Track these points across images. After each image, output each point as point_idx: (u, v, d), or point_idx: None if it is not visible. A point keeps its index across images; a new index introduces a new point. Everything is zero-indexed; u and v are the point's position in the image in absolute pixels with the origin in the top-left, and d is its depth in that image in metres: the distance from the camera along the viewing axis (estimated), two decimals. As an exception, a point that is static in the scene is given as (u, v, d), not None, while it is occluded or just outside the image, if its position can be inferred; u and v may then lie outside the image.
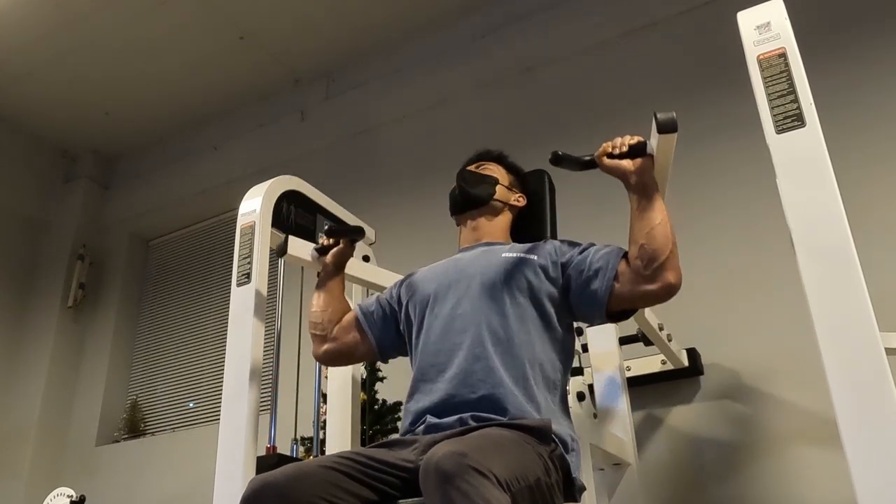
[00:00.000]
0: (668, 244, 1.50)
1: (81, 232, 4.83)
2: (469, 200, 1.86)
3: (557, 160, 1.62)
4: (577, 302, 1.64)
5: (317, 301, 1.87)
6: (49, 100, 4.59)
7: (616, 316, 1.63)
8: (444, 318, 1.66)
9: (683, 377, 2.73)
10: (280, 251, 1.93)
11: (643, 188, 1.55)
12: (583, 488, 1.57)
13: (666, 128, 1.49)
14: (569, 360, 1.71)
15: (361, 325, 1.83)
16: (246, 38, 4.15)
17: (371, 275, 2.21)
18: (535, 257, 1.68)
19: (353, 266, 2.04)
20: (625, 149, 1.57)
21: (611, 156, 1.58)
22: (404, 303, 1.79)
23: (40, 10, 3.90)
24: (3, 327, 4.56)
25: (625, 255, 1.57)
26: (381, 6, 3.99)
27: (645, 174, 1.55)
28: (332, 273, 1.89)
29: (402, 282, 1.87)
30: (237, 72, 4.39)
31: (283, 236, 2.07)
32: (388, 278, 2.15)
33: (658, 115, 1.50)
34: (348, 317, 1.85)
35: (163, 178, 4.85)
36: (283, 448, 2.17)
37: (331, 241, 1.89)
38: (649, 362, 2.72)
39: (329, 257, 1.88)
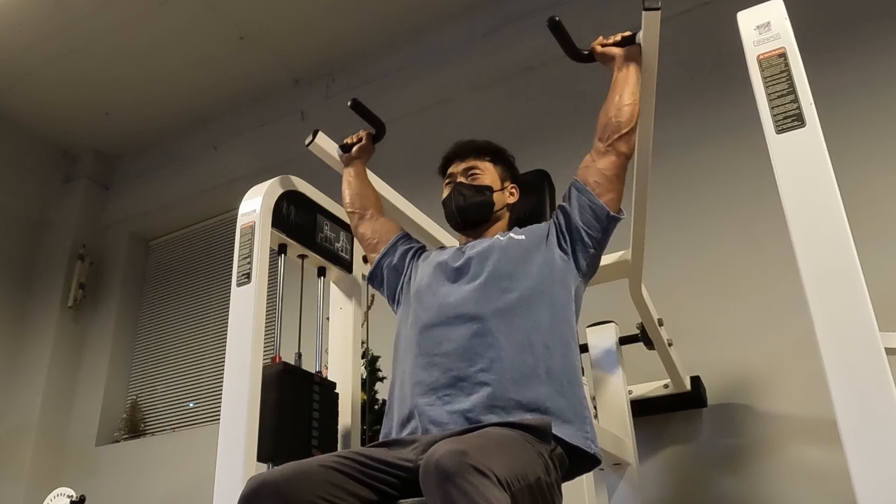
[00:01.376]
0: (632, 120, 1.69)
1: (81, 232, 4.83)
2: (469, 220, 1.86)
3: (554, 26, 1.76)
4: (582, 224, 1.69)
5: (351, 182, 2.07)
6: (49, 100, 4.59)
7: (617, 211, 1.69)
8: (444, 295, 1.67)
9: (687, 408, 2.73)
10: (308, 142, 2.08)
11: (626, 69, 1.72)
12: (599, 459, 1.58)
13: (651, 5, 1.62)
14: (573, 332, 1.68)
15: (387, 245, 1.92)
16: (246, 39, 4.15)
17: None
18: (524, 236, 1.74)
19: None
20: (617, 38, 1.75)
21: (604, 45, 1.76)
22: (412, 278, 1.82)
23: (40, 10, 3.90)
24: (3, 327, 4.56)
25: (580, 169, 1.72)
26: (381, 6, 3.99)
27: (631, 58, 1.73)
28: (357, 161, 2.10)
29: (420, 250, 1.91)
30: (237, 72, 4.39)
31: (283, 236, 2.08)
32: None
33: None
34: (391, 225, 1.98)
35: (163, 178, 4.85)
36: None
37: (354, 139, 2.09)
38: (652, 387, 2.74)
39: (354, 152, 2.09)
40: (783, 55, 1.45)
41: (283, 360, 1.97)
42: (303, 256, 2.21)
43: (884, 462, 1.18)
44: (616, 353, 2.55)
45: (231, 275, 1.96)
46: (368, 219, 2.00)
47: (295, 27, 4.11)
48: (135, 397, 4.45)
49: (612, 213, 1.68)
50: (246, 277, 1.93)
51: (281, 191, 2.07)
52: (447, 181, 1.92)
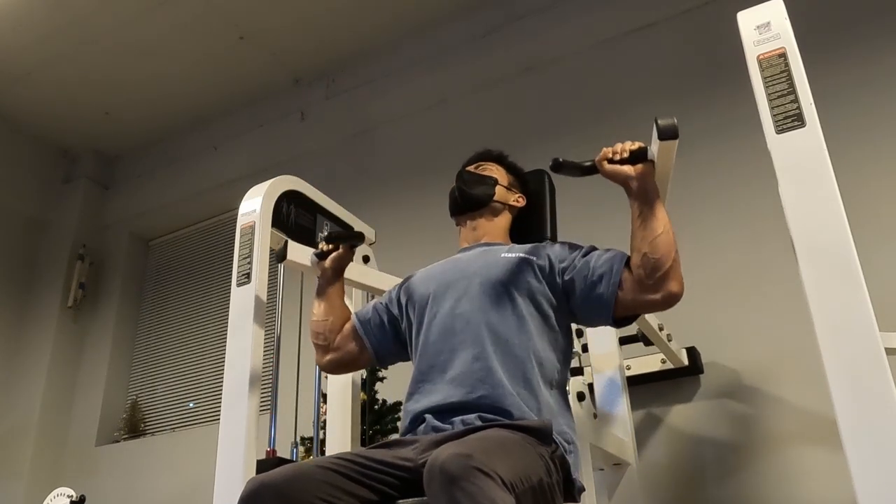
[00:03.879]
0: (671, 254, 1.49)
1: (81, 232, 4.83)
2: (468, 202, 1.85)
3: (558, 167, 1.62)
4: (581, 306, 1.62)
5: (317, 310, 1.86)
6: (49, 100, 4.59)
7: (619, 322, 1.63)
8: (444, 317, 1.66)
9: (683, 376, 2.73)
10: (279, 257, 1.93)
11: (644, 194, 1.54)
12: (582, 489, 1.57)
13: (667, 134, 1.47)
14: (567, 359, 1.71)
15: (359, 333, 1.82)
16: (246, 38, 4.15)
17: (371, 279, 2.20)
18: (535, 258, 1.68)
19: (353, 270, 2.04)
20: (626, 154, 1.56)
21: (611, 161, 1.57)
22: (404, 304, 1.79)
23: (40, 10, 3.90)
24: (3, 327, 4.56)
25: (627, 262, 1.56)
26: (381, 6, 3.99)
27: (646, 180, 1.54)
28: (331, 279, 1.88)
29: (401, 284, 1.87)
30: (237, 72, 4.39)
31: (283, 236, 2.08)
32: (388, 282, 2.14)
33: (659, 121, 1.48)
34: (347, 326, 1.84)
35: (163, 178, 4.85)
36: (283, 452, 2.18)
37: (330, 246, 1.87)
38: (649, 361, 2.72)
39: (328, 262, 1.87)
40: (783, 55, 1.45)
41: (277, 453, 1.98)
42: (303, 256, 2.21)
43: (884, 462, 1.18)
44: (616, 353, 2.55)
45: (231, 275, 1.96)
46: (333, 348, 1.84)
47: (295, 27, 4.11)
48: (135, 397, 4.45)
49: (610, 320, 1.60)
50: (246, 277, 1.93)
51: (281, 191, 2.07)
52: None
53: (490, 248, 1.79)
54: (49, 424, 4.34)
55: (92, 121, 4.76)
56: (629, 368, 2.61)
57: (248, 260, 1.94)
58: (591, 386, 2.35)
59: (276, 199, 2.04)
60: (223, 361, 1.89)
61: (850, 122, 2.73)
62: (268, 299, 1.98)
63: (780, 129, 1.41)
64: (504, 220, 1.88)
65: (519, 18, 3.81)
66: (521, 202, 1.92)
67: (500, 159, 1.94)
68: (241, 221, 2.01)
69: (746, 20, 1.52)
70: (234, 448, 1.76)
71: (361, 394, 2.43)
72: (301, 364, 2.73)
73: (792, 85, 1.42)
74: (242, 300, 1.92)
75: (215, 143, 4.70)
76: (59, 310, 4.57)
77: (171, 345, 4.51)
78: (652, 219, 1.51)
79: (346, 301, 1.95)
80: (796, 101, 1.41)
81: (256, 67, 4.36)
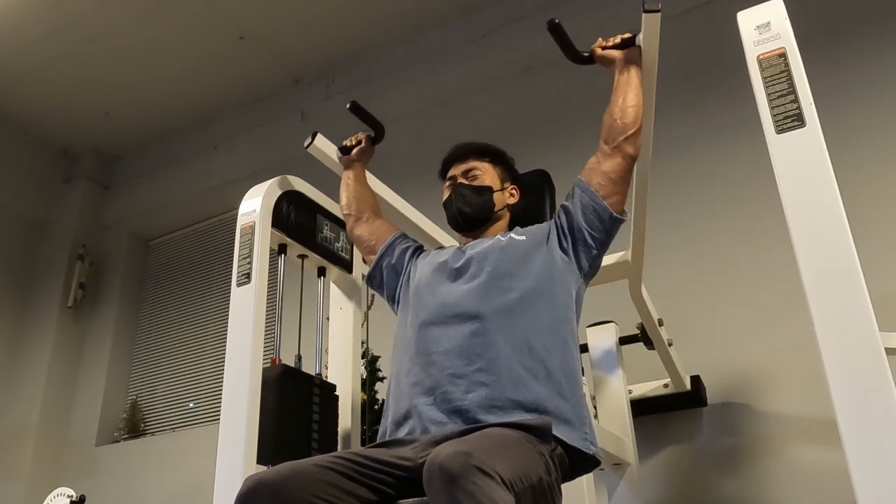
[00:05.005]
0: (637, 122, 1.69)
1: (81, 232, 4.83)
2: (471, 222, 1.86)
3: (554, 28, 1.76)
4: (585, 224, 1.68)
5: (349, 184, 2.07)
6: (49, 100, 4.59)
7: (619, 214, 1.68)
8: (443, 294, 1.67)
9: (687, 407, 2.73)
10: (307, 145, 2.08)
11: (628, 71, 1.72)
12: (599, 461, 1.58)
13: (651, 7, 1.62)
14: (574, 333, 1.68)
15: (384, 245, 1.92)
16: (246, 38, 4.15)
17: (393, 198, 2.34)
18: (525, 237, 1.73)
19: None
20: (617, 41, 1.75)
21: (604, 48, 1.76)
22: (411, 276, 1.82)
23: (40, 10, 3.90)
24: (3, 327, 4.56)
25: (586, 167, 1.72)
26: (382, 6, 3.99)
27: (631, 60, 1.73)
28: (356, 164, 2.09)
29: (418, 249, 1.92)
30: (237, 72, 4.39)
31: (283, 236, 2.07)
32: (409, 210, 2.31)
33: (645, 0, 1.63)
34: (388, 227, 1.99)
35: (163, 178, 4.85)
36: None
37: (353, 141, 2.09)
38: (652, 386, 2.73)
39: (354, 155, 2.08)
40: (783, 55, 1.45)
41: (282, 362, 1.97)
42: (303, 256, 2.21)
43: (884, 462, 1.18)
44: (616, 353, 2.55)
45: (231, 275, 1.96)
46: (364, 221, 2.00)
47: (295, 27, 4.11)
48: (135, 397, 4.45)
49: (615, 214, 1.68)
50: (246, 277, 1.93)
51: (281, 191, 2.07)
52: (447, 183, 1.92)
53: (492, 238, 1.80)
54: (49, 424, 4.34)
55: (92, 121, 4.76)
56: (630, 392, 2.61)
57: (248, 260, 1.94)
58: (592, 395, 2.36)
59: (276, 199, 2.04)
60: (223, 361, 1.89)
61: (850, 122, 2.74)
62: (268, 299, 1.98)
63: (780, 129, 1.41)
64: (504, 219, 1.90)
65: (519, 18, 3.82)
66: (516, 195, 1.92)
67: (483, 153, 1.93)
68: (241, 221, 2.01)
69: (746, 20, 1.52)
70: (234, 448, 1.76)
71: (361, 394, 2.42)
72: (301, 364, 2.72)
73: (792, 85, 1.42)
74: (242, 300, 1.92)
75: (215, 143, 4.70)
76: (59, 310, 4.57)
77: (171, 345, 4.51)
78: (630, 91, 1.70)
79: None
80: (796, 101, 1.41)
81: (256, 67, 4.36)
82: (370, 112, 2.08)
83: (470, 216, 1.85)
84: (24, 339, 4.60)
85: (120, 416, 4.38)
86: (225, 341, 1.91)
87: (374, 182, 2.19)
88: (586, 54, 1.79)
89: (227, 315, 1.93)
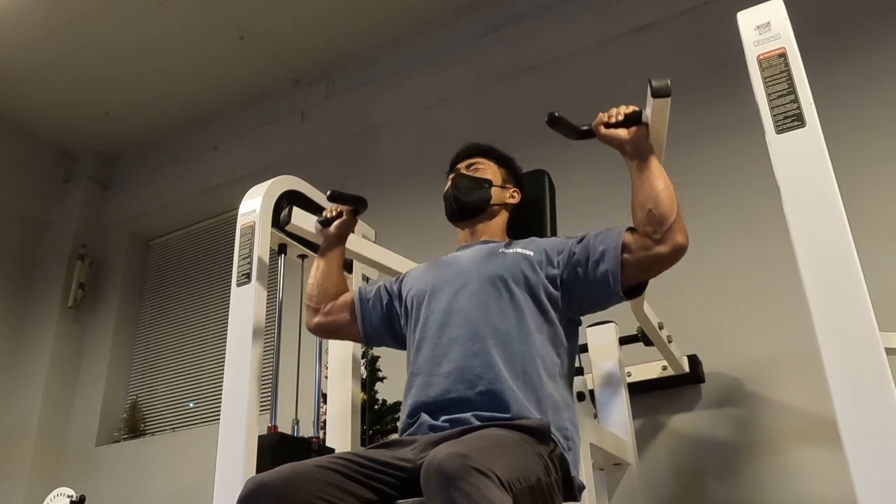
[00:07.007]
0: (674, 206, 1.52)
1: (81, 232, 4.83)
2: (465, 210, 1.85)
3: (553, 121, 1.66)
4: (589, 287, 1.61)
5: (315, 273, 1.93)
6: (49, 100, 4.59)
7: (629, 292, 1.61)
8: (441, 312, 1.67)
9: (685, 384, 2.72)
10: (284, 221, 1.98)
11: (640, 154, 1.57)
12: (582, 487, 1.57)
13: (660, 93, 1.50)
14: (571, 354, 1.70)
15: (355, 309, 1.86)
16: (246, 38, 4.15)
17: (374, 253, 2.26)
18: (532, 252, 1.69)
19: (357, 243, 2.10)
20: (620, 118, 1.60)
21: (607, 125, 1.61)
22: (404, 296, 1.81)
23: (40, 10, 3.90)
24: (3, 327, 4.56)
25: (628, 229, 1.58)
26: (381, 6, 3.99)
27: (640, 141, 1.58)
28: (333, 244, 1.95)
29: (401, 277, 1.89)
30: (237, 72, 4.39)
31: (283, 236, 2.08)
32: (391, 259, 2.22)
33: (652, 81, 1.51)
34: (346, 297, 1.90)
35: (163, 178, 4.85)
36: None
37: (334, 212, 1.94)
38: (650, 368, 2.72)
39: (333, 228, 1.94)
40: (783, 55, 1.45)
41: (278, 429, 1.97)
42: (303, 256, 2.21)
43: (884, 462, 1.18)
44: (616, 353, 2.55)
45: (231, 275, 1.96)
46: (323, 312, 1.89)
47: (295, 27, 4.11)
48: (135, 397, 4.45)
49: (621, 294, 1.59)
50: (246, 277, 1.93)
51: (281, 191, 2.07)
52: (450, 175, 1.92)
53: (488, 244, 1.79)
54: (49, 424, 4.34)
55: (92, 121, 4.76)
56: (630, 375, 2.61)
57: (248, 260, 1.94)
58: (592, 392, 2.35)
59: (276, 199, 2.04)
60: (223, 361, 1.89)
61: (850, 122, 2.73)
62: (268, 299, 1.98)
63: (780, 129, 1.41)
64: (501, 219, 1.88)
65: (518, 19, 3.81)
66: (517, 197, 1.92)
67: (489, 153, 1.93)
68: (241, 221, 2.01)
69: (746, 20, 1.52)
70: (235, 448, 1.76)
71: (361, 394, 2.43)
72: (301, 364, 2.72)
73: (792, 85, 1.42)
74: (242, 300, 1.92)
75: (215, 143, 4.70)
76: (59, 310, 4.57)
77: (171, 345, 4.51)
78: (651, 176, 1.54)
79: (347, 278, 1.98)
80: (796, 101, 1.41)
81: (256, 67, 4.36)
82: (348, 193, 1.95)
83: (463, 202, 1.84)
84: (23, 339, 4.60)
85: (120, 416, 4.37)
86: (225, 341, 1.91)
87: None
88: (585, 128, 1.67)
89: (227, 315, 1.93)
